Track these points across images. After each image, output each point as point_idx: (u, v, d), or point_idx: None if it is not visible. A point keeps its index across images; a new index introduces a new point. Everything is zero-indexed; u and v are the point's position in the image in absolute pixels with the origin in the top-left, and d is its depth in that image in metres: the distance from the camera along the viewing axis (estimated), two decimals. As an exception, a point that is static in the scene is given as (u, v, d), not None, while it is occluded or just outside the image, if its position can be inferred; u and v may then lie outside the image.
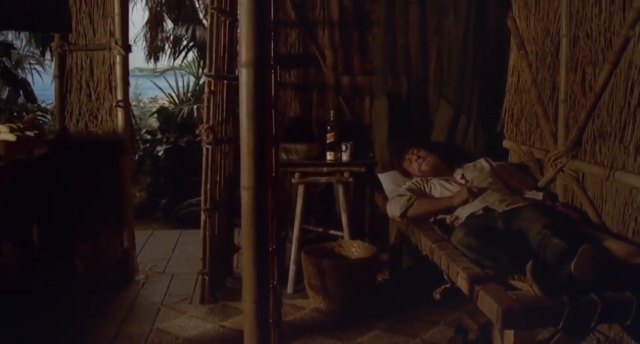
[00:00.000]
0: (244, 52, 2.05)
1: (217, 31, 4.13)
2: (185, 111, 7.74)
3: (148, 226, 6.79)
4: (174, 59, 9.47)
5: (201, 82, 9.30)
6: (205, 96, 4.10)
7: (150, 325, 3.84)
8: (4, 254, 3.86)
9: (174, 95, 9.18)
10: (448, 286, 3.15)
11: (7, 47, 7.36)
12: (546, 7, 4.00)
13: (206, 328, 3.78)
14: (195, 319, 3.90)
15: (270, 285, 2.69)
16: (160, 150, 7.26)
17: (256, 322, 2.19)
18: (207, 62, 4.10)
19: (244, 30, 2.07)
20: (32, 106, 8.02)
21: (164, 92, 9.44)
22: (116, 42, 4.47)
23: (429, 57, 4.64)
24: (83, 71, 4.60)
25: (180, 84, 9.45)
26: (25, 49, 8.77)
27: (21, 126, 4.03)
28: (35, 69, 8.85)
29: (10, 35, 7.95)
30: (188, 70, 9.99)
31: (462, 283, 2.73)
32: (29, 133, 4.00)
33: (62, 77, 4.61)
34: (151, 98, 12.43)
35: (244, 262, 2.16)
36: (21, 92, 7.26)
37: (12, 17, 1.13)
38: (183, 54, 9.35)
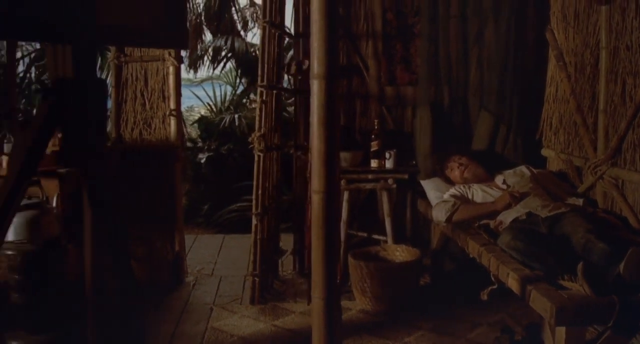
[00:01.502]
0: (316, 65, 2.24)
1: (269, 43, 4.33)
2: (227, 119, 7.96)
3: (190, 230, 6.99)
4: (213, 69, 9.71)
5: (238, 91, 9.52)
6: (257, 106, 4.29)
7: (205, 324, 4.02)
8: (70, 255, 4.05)
9: (211, 104, 9.39)
10: (495, 287, 3.28)
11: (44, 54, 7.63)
12: (585, 20, 4.13)
13: (259, 327, 3.96)
14: (247, 319, 4.08)
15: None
16: (203, 157, 7.47)
17: (324, 318, 2.36)
18: (259, 73, 4.29)
19: (315, 45, 2.26)
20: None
21: (202, 101, 9.65)
22: (169, 54, 4.69)
23: (470, 68, 4.80)
24: (138, 81, 4.81)
25: (217, 94, 9.66)
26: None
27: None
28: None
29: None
30: (225, 80, 10.21)
31: (513, 283, 2.88)
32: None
33: (118, 87, 4.83)
34: (187, 107, 12.67)
35: (314, 260, 2.33)
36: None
37: (137, 34, 1.28)
38: (222, 64, 9.57)
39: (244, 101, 9.50)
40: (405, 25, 4.97)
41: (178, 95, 4.79)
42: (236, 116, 8.03)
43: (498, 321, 3.94)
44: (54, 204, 3.22)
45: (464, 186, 4.17)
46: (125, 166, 4.67)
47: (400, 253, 4.47)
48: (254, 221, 4.29)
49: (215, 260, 5.53)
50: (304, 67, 4.59)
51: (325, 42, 2.22)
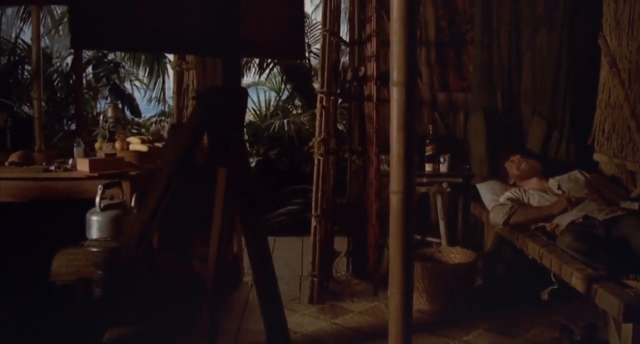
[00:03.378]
0: (396, 73, 2.38)
1: (329, 51, 4.47)
2: (277, 125, 8.14)
3: (241, 233, 7.14)
4: (259, 76, 9.90)
5: (283, 97, 9.70)
6: (317, 111, 4.44)
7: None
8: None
9: (256, 110, 9.58)
10: (555, 287, 3.39)
11: (116, 65, 7.92)
12: (640, 27, 4.22)
13: (320, 325, 4.09)
14: (308, 317, 4.22)
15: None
16: (252, 162, 7.65)
17: (402, 311, 2.49)
18: (319, 79, 4.44)
19: (395, 54, 2.39)
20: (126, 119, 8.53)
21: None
22: (229, 61, 4.85)
23: (523, 74, 4.89)
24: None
25: (262, 99, 9.87)
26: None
27: (150, 138, 4.44)
28: (135, 85, 9.43)
29: (117, 55, 8.56)
30: (269, 86, 10.40)
31: (577, 283, 2.98)
32: (158, 144, 4.41)
33: (180, 93, 5.01)
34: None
35: (392, 257, 2.46)
36: (126, 107, 7.79)
37: (268, 47, 1.43)
38: (267, 70, 9.77)
39: (288, 106, 9.69)
40: (458, 32, 5.08)
41: (237, 100, 4.95)
42: (285, 121, 8.20)
43: (554, 321, 4.02)
44: (132, 204, 3.39)
45: (519, 190, 4.28)
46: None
47: (454, 255, 4.58)
48: (313, 223, 4.43)
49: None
50: (360, 74, 4.73)
51: (404, 51, 2.36)
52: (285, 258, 5.76)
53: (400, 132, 2.38)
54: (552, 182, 4.37)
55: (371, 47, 4.52)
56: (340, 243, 5.23)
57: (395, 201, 2.42)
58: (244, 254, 5.35)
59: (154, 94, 10.01)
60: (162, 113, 9.97)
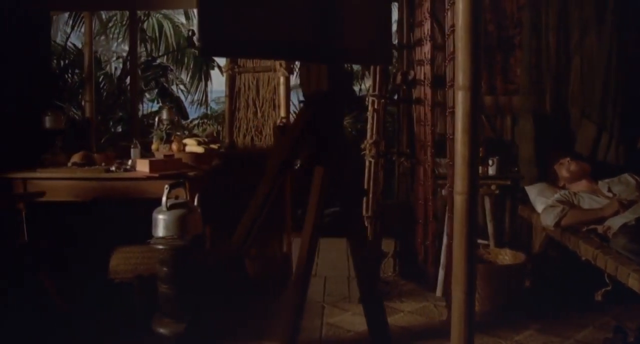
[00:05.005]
0: (461, 77, 2.46)
1: (380, 55, 4.55)
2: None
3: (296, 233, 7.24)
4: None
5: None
6: (369, 114, 4.52)
7: (320, 320, 4.25)
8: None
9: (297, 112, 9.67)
10: (609, 288, 3.43)
11: (165, 69, 8.11)
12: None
13: (372, 323, 4.17)
14: (359, 316, 4.28)
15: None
16: (296, 163, 7.72)
17: (465, 310, 2.57)
18: (371, 83, 4.52)
19: (461, 59, 2.48)
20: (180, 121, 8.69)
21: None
22: (280, 65, 4.96)
23: (571, 77, 4.92)
24: (250, 91, 5.12)
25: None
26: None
27: (205, 139, 4.56)
28: (180, 89, 9.61)
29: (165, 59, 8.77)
30: (307, 87, 10.51)
31: (635, 284, 3.02)
32: (213, 146, 4.54)
33: (232, 96, 5.14)
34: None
35: (456, 256, 2.54)
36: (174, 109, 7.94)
37: (362, 54, 1.52)
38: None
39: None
40: (506, 36, 5.13)
41: (288, 104, 5.06)
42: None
43: (605, 323, 4.05)
44: (195, 203, 3.50)
45: (569, 193, 4.31)
46: (237, 170, 4.96)
47: (503, 256, 4.62)
48: (365, 223, 4.51)
49: (316, 261, 5.76)
50: (410, 77, 4.81)
51: (470, 56, 2.44)
52: (332, 258, 5.83)
53: (465, 135, 2.46)
54: (602, 185, 4.40)
55: (421, 51, 4.59)
56: (386, 244, 5.30)
57: (459, 201, 2.50)
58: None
59: (196, 97, 10.19)
60: (204, 116, 10.13)
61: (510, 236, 5.19)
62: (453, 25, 3.48)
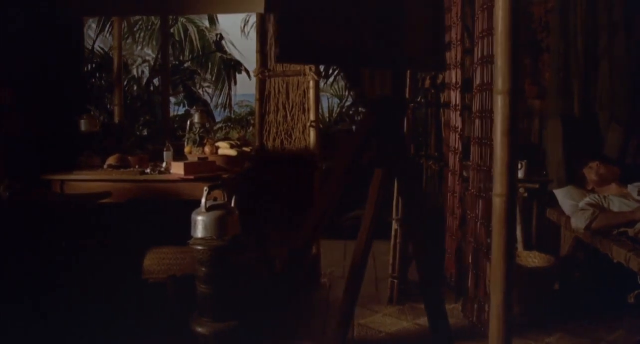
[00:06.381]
0: (501, 82, 2.51)
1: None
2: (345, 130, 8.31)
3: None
4: (325, 83, 10.10)
5: (346, 104, 9.87)
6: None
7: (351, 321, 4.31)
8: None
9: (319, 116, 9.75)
10: (642, 290, 3.46)
11: (192, 72, 8.22)
12: None
13: (403, 325, 4.22)
14: (389, 317, 4.35)
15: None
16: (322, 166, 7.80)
17: (504, 309, 2.62)
18: (401, 87, 4.57)
19: (500, 64, 2.53)
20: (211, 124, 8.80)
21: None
22: (310, 69, 5.03)
23: (599, 80, 4.94)
24: (280, 95, 5.18)
25: (325, 105, 10.05)
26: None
27: (238, 142, 4.64)
28: (206, 92, 9.75)
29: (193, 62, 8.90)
30: (332, 92, 10.58)
31: (668, 285, 3.06)
32: (245, 149, 4.61)
33: (262, 100, 5.21)
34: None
35: (495, 257, 2.59)
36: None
37: (419, 61, 1.60)
38: (332, 77, 9.96)
39: (351, 112, 9.83)
40: (534, 40, 5.17)
41: (317, 107, 5.13)
42: (352, 127, 8.36)
43: (636, 325, 4.07)
44: (232, 204, 3.57)
45: (599, 196, 4.34)
46: (267, 172, 5.03)
47: (532, 259, 4.65)
48: (394, 226, 4.56)
49: (343, 264, 5.82)
50: (438, 81, 4.86)
51: (509, 61, 2.49)
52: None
53: (505, 138, 2.52)
54: (632, 188, 4.42)
55: (450, 55, 4.63)
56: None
57: (498, 203, 2.55)
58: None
59: (220, 100, 10.30)
60: (228, 119, 10.24)
61: (538, 238, 5.21)
62: (483, 30, 3.53)
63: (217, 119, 10.13)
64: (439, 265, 4.75)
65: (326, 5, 1.50)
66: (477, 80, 3.70)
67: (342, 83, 10.25)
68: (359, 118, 9.55)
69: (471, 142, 3.80)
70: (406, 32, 1.62)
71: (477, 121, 3.69)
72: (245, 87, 10.27)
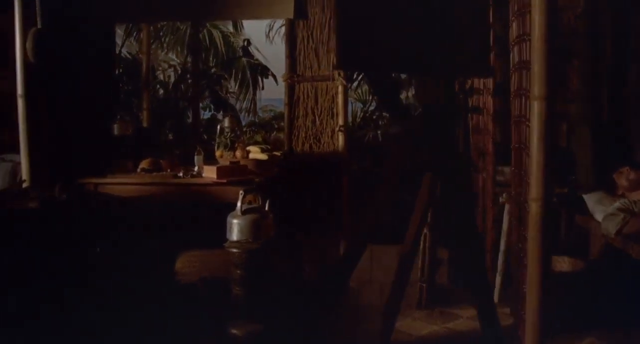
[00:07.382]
0: (537, 87, 2.55)
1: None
2: (371, 135, 8.35)
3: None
4: (349, 87, 10.11)
5: (370, 109, 9.90)
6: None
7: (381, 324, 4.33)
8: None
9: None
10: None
11: (219, 77, 8.31)
12: None
13: (433, 329, 4.25)
14: (419, 321, 4.38)
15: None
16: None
17: (539, 308, 2.64)
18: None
19: (536, 70, 2.56)
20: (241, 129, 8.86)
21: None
22: (339, 74, 5.08)
23: (629, 86, 4.94)
24: (309, 99, 5.24)
25: (349, 110, 10.08)
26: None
27: (269, 146, 4.70)
28: (232, 96, 9.82)
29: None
30: (355, 97, 10.61)
31: None
32: (276, 153, 4.66)
33: (291, 104, 5.27)
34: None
35: (531, 261, 2.62)
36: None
37: (468, 68, 1.65)
38: (356, 82, 9.99)
39: (374, 117, 9.85)
40: (560, 45, 5.17)
41: (345, 112, 5.17)
42: (378, 132, 8.40)
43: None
44: (266, 208, 3.62)
45: (629, 201, 4.34)
46: (297, 175, 5.08)
47: (561, 264, 4.65)
48: (424, 231, 4.58)
49: (370, 268, 5.84)
50: (467, 86, 4.87)
51: (545, 68, 2.52)
52: (385, 265, 5.87)
53: (541, 143, 2.55)
54: (662, 194, 4.42)
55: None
56: (441, 252, 5.35)
57: (534, 207, 2.58)
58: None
59: (244, 105, 10.37)
60: (252, 123, 10.29)
61: (566, 243, 5.20)
62: (518, 36, 3.55)
63: (242, 123, 10.20)
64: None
65: (384, 16, 1.54)
66: (514, 86, 3.72)
67: (365, 88, 10.27)
68: (383, 123, 9.58)
69: (512, 148, 3.81)
70: (457, 43, 1.67)
71: (514, 126, 3.71)
72: (269, 92, 10.37)
